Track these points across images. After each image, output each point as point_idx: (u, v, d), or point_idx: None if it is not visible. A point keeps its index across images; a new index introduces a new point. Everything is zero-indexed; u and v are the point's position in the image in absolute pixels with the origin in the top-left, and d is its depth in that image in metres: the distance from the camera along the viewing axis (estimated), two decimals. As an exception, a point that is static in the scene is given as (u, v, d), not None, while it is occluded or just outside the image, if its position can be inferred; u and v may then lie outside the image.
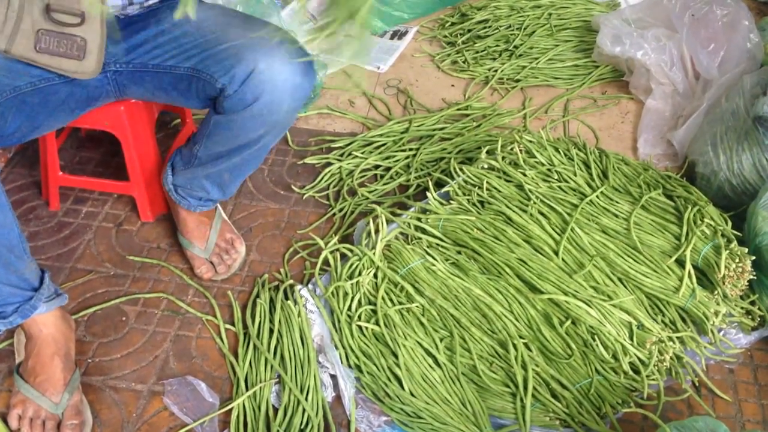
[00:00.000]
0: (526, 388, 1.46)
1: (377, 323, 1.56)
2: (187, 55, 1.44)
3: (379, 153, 2.09)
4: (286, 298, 1.66)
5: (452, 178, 1.87)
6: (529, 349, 1.53)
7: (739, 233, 1.68)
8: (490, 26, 2.62)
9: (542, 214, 1.72)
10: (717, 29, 2.19)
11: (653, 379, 1.51)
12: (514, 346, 1.51)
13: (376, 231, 1.73)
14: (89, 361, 1.56)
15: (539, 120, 2.31)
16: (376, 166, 2.08)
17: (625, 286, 1.61)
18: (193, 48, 1.43)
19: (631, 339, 1.52)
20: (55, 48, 1.29)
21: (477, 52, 2.56)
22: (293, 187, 2.01)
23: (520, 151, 1.87)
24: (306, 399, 1.46)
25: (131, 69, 1.47)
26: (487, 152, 1.89)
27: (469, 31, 2.63)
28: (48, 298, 1.43)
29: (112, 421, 1.46)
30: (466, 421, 1.43)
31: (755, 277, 1.61)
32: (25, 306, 1.38)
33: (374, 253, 1.67)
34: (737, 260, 1.57)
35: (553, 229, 1.69)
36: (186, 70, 1.44)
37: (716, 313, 1.56)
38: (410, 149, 2.11)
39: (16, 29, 1.26)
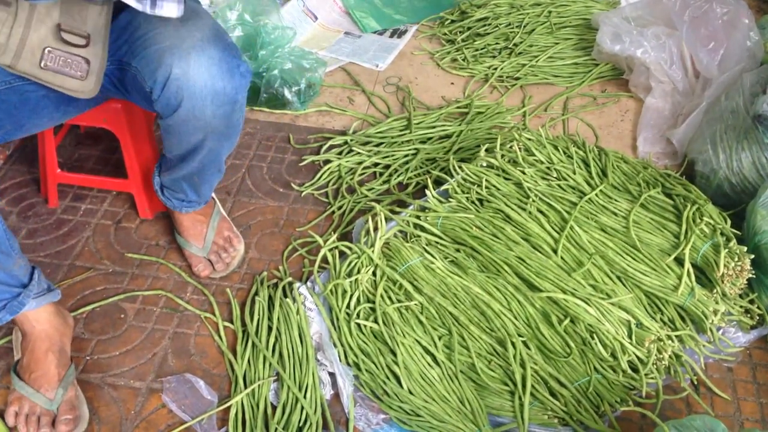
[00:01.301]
0: (524, 386, 1.46)
1: (376, 321, 1.56)
2: (134, 52, 1.37)
3: (377, 152, 2.09)
4: (285, 296, 1.65)
5: (451, 176, 1.87)
6: (528, 348, 1.53)
7: (738, 231, 1.68)
8: (489, 24, 2.62)
9: (541, 212, 1.72)
10: (717, 27, 2.18)
11: (652, 378, 1.51)
12: (513, 344, 1.51)
13: (375, 229, 1.73)
14: (88, 358, 1.56)
15: (539, 118, 2.31)
16: (375, 164, 2.07)
17: (624, 285, 1.60)
18: (139, 45, 1.37)
19: (630, 337, 1.52)
20: (60, 66, 1.28)
21: (477, 50, 2.56)
22: (292, 184, 2.01)
23: (520, 149, 1.87)
24: (304, 397, 1.46)
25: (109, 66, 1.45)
26: (487, 150, 1.88)
27: (469, 28, 2.63)
28: (38, 294, 1.43)
29: (111, 419, 1.46)
30: (464, 419, 1.43)
31: (754, 276, 1.61)
32: (13, 302, 1.38)
33: (373, 251, 1.67)
34: (736, 259, 1.57)
35: (552, 227, 1.69)
36: (132, 69, 1.38)
37: (715, 312, 1.56)
38: (409, 147, 2.11)
39: (22, 45, 1.25)
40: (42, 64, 1.27)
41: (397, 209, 1.84)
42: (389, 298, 1.61)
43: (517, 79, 2.45)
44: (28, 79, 1.32)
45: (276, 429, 1.41)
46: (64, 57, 1.28)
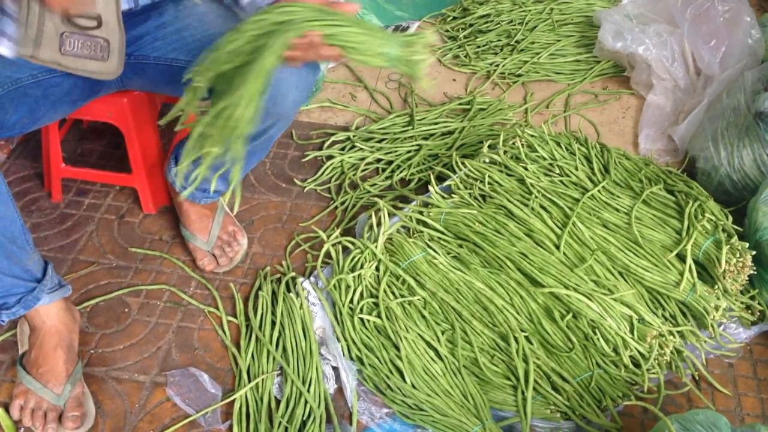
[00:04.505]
0: (527, 380, 1.47)
1: (379, 316, 1.57)
2: (188, 48, 1.43)
3: (380, 148, 2.10)
4: (288, 291, 1.66)
5: (454, 172, 1.88)
6: (530, 342, 1.53)
7: (739, 228, 1.68)
8: (491, 21, 2.62)
9: (543, 208, 1.73)
10: (718, 25, 2.19)
11: (653, 373, 1.52)
12: (515, 339, 1.52)
13: (378, 224, 1.74)
14: (92, 352, 1.56)
15: (540, 114, 2.31)
16: (378, 160, 2.08)
17: (625, 280, 1.61)
18: (194, 41, 1.43)
19: (632, 333, 1.53)
20: (80, 50, 1.30)
21: (478, 47, 2.56)
22: (295, 180, 2.01)
23: (522, 145, 1.88)
24: (308, 391, 1.46)
25: (133, 61, 1.47)
26: (489, 146, 1.89)
27: (471, 25, 2.63)
28: (51, 289, 1.43)
29: (115, 412, 1.46)
30: (467, 414, 1.43)
31: (755, 272, 1.62)
32: (28, 297, 1.39)
33: (376, 246, 1.68)
34: (738, 255, 1.57)
35: (554, 223, 1.69)
36: (187, 63, 1.42)
37: (716, 308, 1.56)
38: (412, 144, 2.11)
39: (40, 33, 1.26)
40: (62, 50, 1.28)
41: (400, 205, 1.84)
42: (392, 293, 1.61)
43: (519, 76, 2.45)
44: (54, 73, 1.32)
45: (280, 423, 1.42)
46: (82, 40, 1.29)
